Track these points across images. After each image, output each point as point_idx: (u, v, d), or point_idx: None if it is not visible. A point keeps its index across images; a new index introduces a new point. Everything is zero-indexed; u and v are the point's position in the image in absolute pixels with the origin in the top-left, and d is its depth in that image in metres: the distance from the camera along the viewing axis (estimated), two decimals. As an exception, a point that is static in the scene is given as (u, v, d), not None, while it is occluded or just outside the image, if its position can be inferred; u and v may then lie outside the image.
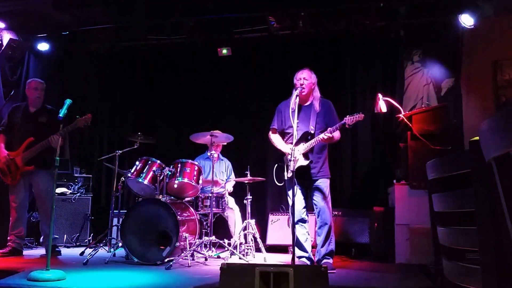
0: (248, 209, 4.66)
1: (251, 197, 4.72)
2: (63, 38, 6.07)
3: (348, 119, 3.68)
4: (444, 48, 5.42)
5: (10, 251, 4.42)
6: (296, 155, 3.77)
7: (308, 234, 3.97)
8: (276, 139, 4.08)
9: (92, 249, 4.40)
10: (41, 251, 4.96)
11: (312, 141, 3.80)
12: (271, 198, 5.86)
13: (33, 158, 4.44)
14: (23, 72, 6.02)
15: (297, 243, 3.81)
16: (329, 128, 3.74)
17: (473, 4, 4.87)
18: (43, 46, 6.01)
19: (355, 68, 5.90)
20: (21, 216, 4.57)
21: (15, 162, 4.46)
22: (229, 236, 4.91)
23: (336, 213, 5.14)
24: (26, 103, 4.73)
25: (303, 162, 3.82)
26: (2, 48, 5.66)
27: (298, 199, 3.85)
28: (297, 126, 3.57)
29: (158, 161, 4.47)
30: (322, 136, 3.73)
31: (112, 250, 4.46)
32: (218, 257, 4.50)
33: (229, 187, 5.22)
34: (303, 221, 3.94)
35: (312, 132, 3.87)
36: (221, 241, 4.34)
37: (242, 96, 6.27)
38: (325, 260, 3.81)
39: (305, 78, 3.91)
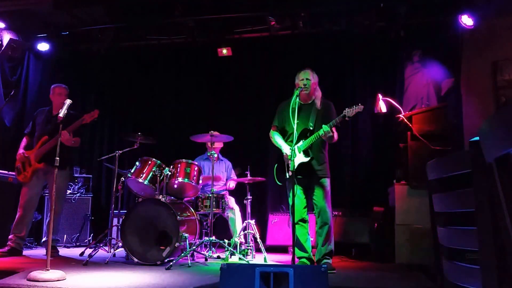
0: (248, 209, 4.67)
1: (251, 197, 4.72)
2: (63, 38, 6.07)
3: (348, 111, 3.66)
4: (444, 48, 5.42)
5: (9, 251, 4.39)
6: (296, 152, 3.77)
7: (308, 234, 3.98)
8: (276, 137, 4.08)
9: (92, 249, 4.40)
10: (41, 251, 4.95)
11: (312, 137, 3.80)
12: (271, 198, 5.86)
13: (48, 157, 4.44)
14: (23, 72, 6.03)
15: (297, 243, 3.81)
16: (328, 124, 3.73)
17: (473, 4, 4.88)
18: (43, 46, 6.01)
19: (355, 68, 5.90)
20: (27, 216, 4.54)
21: (29, 160, 4.53)
22: (229, 236, 4.91)
23: (336, 213, 5.15)
24: (50, 107, 4.79)
25: (303, 158, 3.81)
26: (2, 48, 5.66)
27: (298, 198, 3.85)
28: (297, 125, 3.55)
29: (158, 161, 4.47)
30: (321, 131, 3.69)
31: (112, 250, 4.46)
32: (218, 257, 4.50)
33: (232, 183, 5.22)
34: (303, 221, 3.93)
35: (311, 129, 3.86)
36: (221, 241, 4.34)
37: (242, 96, 6.27)
38: (325, 260, 3.80)
39: (307, 78, 3.91)
